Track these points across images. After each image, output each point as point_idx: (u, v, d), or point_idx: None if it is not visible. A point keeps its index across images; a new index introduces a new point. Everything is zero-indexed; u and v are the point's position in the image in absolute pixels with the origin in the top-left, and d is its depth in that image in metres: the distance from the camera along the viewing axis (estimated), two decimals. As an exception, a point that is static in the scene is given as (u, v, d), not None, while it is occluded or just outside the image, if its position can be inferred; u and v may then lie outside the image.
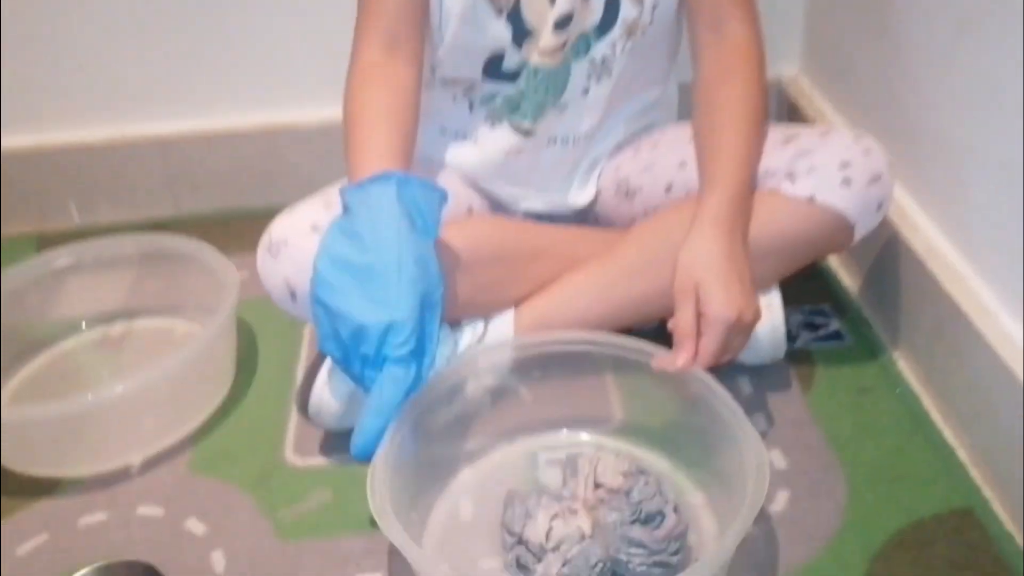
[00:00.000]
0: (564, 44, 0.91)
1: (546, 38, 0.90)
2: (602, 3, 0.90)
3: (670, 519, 0.76)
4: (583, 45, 0.92)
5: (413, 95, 0.90)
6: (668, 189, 0.97)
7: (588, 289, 0.93)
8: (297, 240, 0.86)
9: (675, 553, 0.76)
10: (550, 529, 0.76)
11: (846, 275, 1.12)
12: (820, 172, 0.86)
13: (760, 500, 0.68)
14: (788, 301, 0.94)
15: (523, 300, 0.95)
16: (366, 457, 0.74)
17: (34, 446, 0.92)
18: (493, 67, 0.94)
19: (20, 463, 0.93)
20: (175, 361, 0.90)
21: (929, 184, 0.96)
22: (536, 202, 1.03)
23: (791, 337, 0.99)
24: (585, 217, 1.07)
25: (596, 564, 0.74)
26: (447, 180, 0.96)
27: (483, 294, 0.92)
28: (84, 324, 1.12)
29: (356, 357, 0.75)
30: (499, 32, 0.90)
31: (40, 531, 0.86)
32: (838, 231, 0.87)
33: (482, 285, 0.91)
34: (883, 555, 0.77)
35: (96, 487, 0.90)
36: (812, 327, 1.03)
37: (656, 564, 0.75)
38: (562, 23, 0.89)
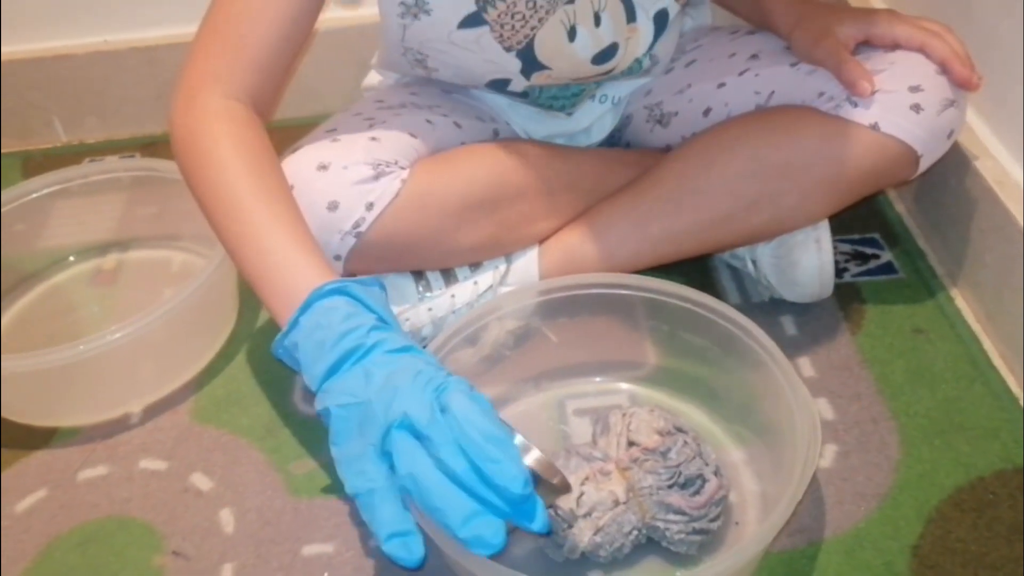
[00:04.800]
0: (610, 71, 0.84)
1: (577, 68, 0.82)
2: (651, 22, 0.82)
3: (711, 483, 0.71)
4: (636, 67, 0.86)
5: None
6: (707, 113, 0.87)
7: (619, 222, 0.85)
8: (305, 183, 0.76)
9: (715, 519, 0.70)
10: (581, 494, 0.70)
11: (899, 201, 1.03)
12: (886, 96, 0.77)
13: (809, 475, 0.63)
14: (833, 229, 0.86)
15: (548, 235, 0.87)
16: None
17: (29, 395, 0.86)
18: (497, 86, 0.85)
19: (14, 412, 0.88)
20: (174, 301, 0.83)
21: (1004, 105, 0.86)
22: (559, 139, 0.95)
23: (838, 270, 0.92)
24: (615, 141, 0.98)
25: (631, 532, 0.69)
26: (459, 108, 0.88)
27: (507, 233, 0.84)
28: (73, 256, 1.06)
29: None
30: (505, 63, 0.81)
31: (38, 486, 0.82)
32: (902, 163, 0.79)
33: (506, 223, 0.83)
34: (939, 516, 0.72)
35: (95, 437, 0.86)
36: (861, 258, 0.96)
37: (695, 531, 0.70)
38: (605, 56, 0.82)
